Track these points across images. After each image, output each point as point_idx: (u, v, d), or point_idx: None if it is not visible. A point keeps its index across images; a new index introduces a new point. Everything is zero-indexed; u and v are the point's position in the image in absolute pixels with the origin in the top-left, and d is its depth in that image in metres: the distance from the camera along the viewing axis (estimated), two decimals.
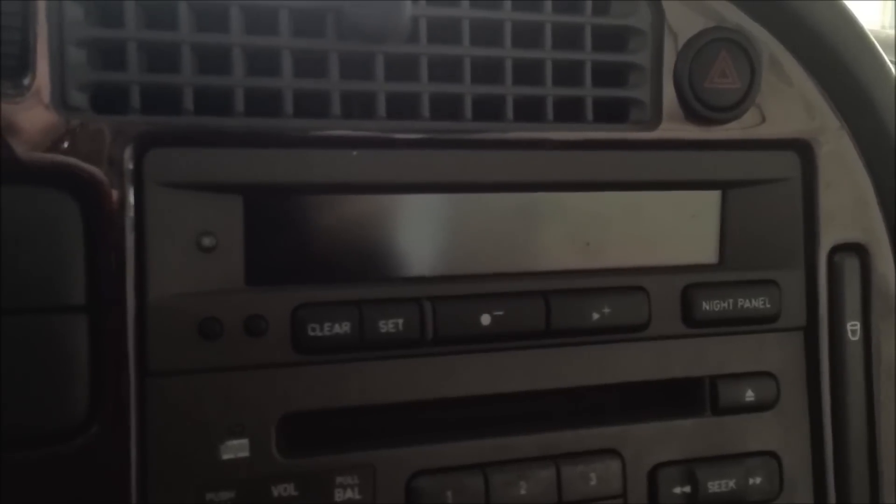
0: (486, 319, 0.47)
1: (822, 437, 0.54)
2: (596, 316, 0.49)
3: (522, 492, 0.48)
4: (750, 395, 0.52)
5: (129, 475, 0.42)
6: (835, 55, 0.52)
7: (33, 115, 0.40)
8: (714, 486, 0.51)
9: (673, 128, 0.50)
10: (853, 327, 0.54)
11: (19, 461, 0.40)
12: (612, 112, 0.50)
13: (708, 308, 0.51)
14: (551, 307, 0.48)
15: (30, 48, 0.40)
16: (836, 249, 0.54)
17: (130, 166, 0.41)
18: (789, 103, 0.52)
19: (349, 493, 0.45)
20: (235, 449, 0.44)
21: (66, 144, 0.40)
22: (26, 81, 0.40)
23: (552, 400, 0.51)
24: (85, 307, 0.41)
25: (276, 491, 0.44)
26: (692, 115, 0.50)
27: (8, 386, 0.40)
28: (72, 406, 0.41)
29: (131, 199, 0.42)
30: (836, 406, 0.54)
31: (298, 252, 0.46)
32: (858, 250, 0.54)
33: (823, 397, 0.54)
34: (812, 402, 0.54)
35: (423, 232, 0.48)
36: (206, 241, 0.43)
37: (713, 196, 0.53)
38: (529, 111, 0.48)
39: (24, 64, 0.40)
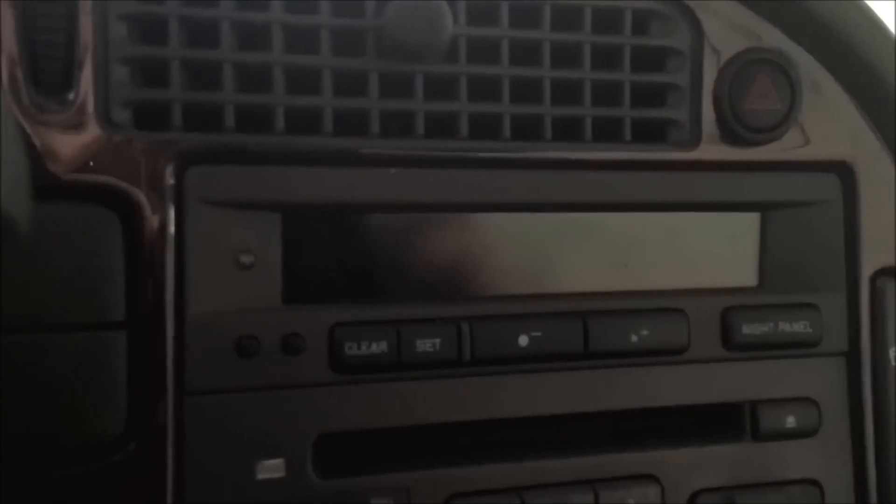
0: (523, 340, 0.46)
1: (865, 465, 0.53)
2: (634, 338, 0.48)
3: None
4: (791, 422, 0.51)
5: (164, 493, 0.41)
6: (875, 78, 0.52)
7: (76, 131, 0.40)
8: None
9: (712, 149, 0.50)
10: None
11: (57, 477, 0.40)
12: (650, 132, 0.49)
13: (748, 331, 0.50)
14: (589, 329, 0.47)
15: (74, 65, 0.40)
16: (878, 273, 0.53)
17: (171, 183, 0.41)
18: (830, 125, 0.52)
19: None
20: (271, 469, 0.43)
21: (108, 161, 0.40)
22: (70, 97, 0.40)
23: (590, 423, 0.50)
24: (124, 323, 0.41)
25: None
26: (731, 136, 0.50)
27: (47, 401, 0.39)
28: (109, 422, 0.41)
29: (171, 215, 0.42)
30: (879, 433, 0.53)
31: (336, 271, 0.46)
32: None
33: (866, 424, 0.53)
34: (854, 428, 0.53)
35: (460, 251, 0.48)
36: (245, 259, 0.43)
37: (753, 218, 0.52)
38: (568, 131, 0.47)
39: (69, 80, 0.40)
